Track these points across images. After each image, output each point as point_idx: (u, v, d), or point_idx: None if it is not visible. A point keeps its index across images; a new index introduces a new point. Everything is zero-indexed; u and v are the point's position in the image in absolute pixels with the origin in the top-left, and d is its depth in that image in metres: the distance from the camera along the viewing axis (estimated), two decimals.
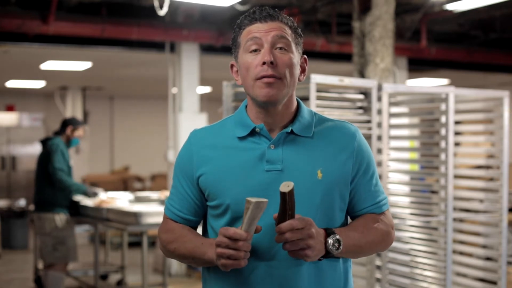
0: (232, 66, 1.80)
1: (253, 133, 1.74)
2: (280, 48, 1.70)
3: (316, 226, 1.62)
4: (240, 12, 7.27)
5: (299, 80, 1.76)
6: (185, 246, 1.75)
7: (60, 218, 5.70)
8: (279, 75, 1.68)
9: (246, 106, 1.80)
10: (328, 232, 1.65)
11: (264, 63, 1.67)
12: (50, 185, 5.68)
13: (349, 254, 1.72)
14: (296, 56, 1.73)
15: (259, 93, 1.69)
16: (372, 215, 1.80)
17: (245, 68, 1.71)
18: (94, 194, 6.05)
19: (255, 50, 1.70)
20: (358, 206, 1.79)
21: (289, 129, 1.72)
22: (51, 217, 5.67)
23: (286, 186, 1.56)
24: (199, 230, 1.86)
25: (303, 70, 1.78)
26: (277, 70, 1.68)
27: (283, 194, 1.56)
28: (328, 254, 1.65)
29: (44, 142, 5.91)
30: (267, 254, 1.68)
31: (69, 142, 5.89)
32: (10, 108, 12.22)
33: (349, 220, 1.84)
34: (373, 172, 1.81)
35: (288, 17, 1.76)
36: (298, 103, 1.80)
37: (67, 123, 5.91)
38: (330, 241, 1.64)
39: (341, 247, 1.65)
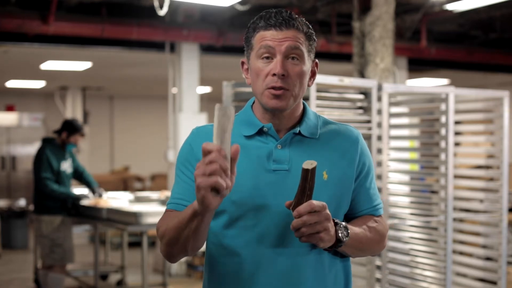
0: (242, 63, 1.80)
1: (260, 132, 1.74)
2: (293, 58, 1.69)
3: (328, 210, 1.60)
4: (240, 12, 7.28)
5: (308, 85, 1.75)
6: (176, 218, 1.62)
7: (57, 220, 5.69)
8: (288, 87, 1.68)
9: (251, 105, 1.80)
10: (335, 222, 1.66)
11: (274, 74, 1.67)
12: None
13: (351, 249, 1.72)
14: (307, 65, 1.73)
15: (267, 102, 1.69)
16: (371, 216, 1.82)
17: (255, 74, 1.71)
18: (94, 195, 6.09)
19: (267, 58, 1.69)
20: (357, 208, 1.81)
21: (297, 130, 1.73)
22: (48, 219, 5.66)
23: (309, 164, 1.54)
24: None
25: (313, 75, 1.78)
26: (287, 82, 1.67)
27: (305, 172, 1.54)
28: (337, 243, 1.65)
29: (41, 143, 5.90)
30: (275, 249, 1.68)
31: (64, 146, 5.81)
32: (10, 108, 12.21)
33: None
34: (372, 176, 1.83)
35: (303, 21, 1.73)
36: (304, 105, 1.80)
37: (64, 128, 5.80)
38: (340, 228, 1.65)
39: (349, 235, 1.66)
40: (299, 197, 1.56)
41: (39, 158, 5.66)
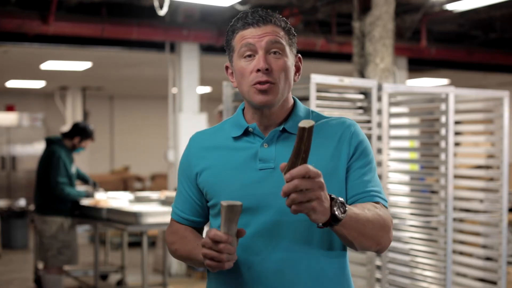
0: (227, 68, 1.82)
1: (247, 132, 1.76)
2: (275, 53, 1.69)
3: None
4: (240, 12, 7.27)
5: (294, 80, 1.76)
6: (184, 248, 1.79)
7: (66, 221, 5.70)
8: (274, 80, 1.68)
9: (243, 109, 1.82)
10: (332, 197, 1.53)
11: (258, 70, 1.68)
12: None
13: (351, 232, 1.58)
14: (290, 59, 1.73)
15: (254, 99, 1.70)
16: (369, 202, 1.70)
17: (240, 74, 1.72)
18: (94, 190, 6.17)
19: (249, 56, 1.70)
20: (349, 193, 1.71)
21: (281, 127, 1.73)
22: (58, 221, 5.66)
23: (306, 123, 1.44)
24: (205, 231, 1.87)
25: (297, 70, 1.78)
26: (272, 75, 1.68)
27: (301, 130, 1.43)
28: (332, 219, 1.51)
29: (48, 143, 5.88)
30: (265, 247, 1.68)
31: (73, 148, 5.88)
32: (10, 108, 12.22)
33: None
34: (368, 161, 1.73)
35: (281, 17, 1.75)
36: (295, 102, 1.80)
37: (77, 133, 5.85)
38: (336, 204, 1.51)
39: (345, 212, 1.52)
40: (293, 160, 1.45)
41: (55, 163, 5.65)
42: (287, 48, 1.72)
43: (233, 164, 1.73)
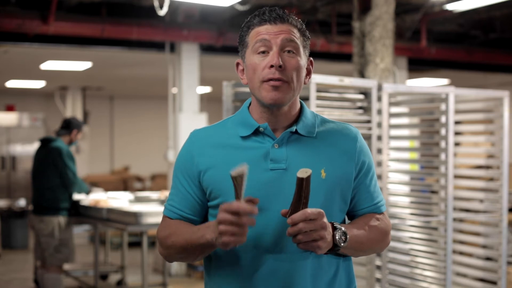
0: (237, 64, 1.80)
1: (256, 132, 1.74)
2: (289, 51, 1.69)
3: (326, 218, 1.61)
4: (240, 12, 7.27)
5: (304, 83, 1.76)
6: (182, 237, 1.71)
7: (64, 220, 5.71)
8: (286, 78, 1.68)
9: (248, 106, 1.80)
10: (334, 226, 1.66)
11: (272, 66, 1.67)
12: (52, 187, 5.67)
13: (351, 251, 1.72)
14: (303, 59, 1.73)
15: (265, 96, 1.69)
16: (372, 214, 1.81)
17: (252, 69, 1.71)
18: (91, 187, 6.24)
19: (263, 52, 1.70)
20: (358, 206, 1.81)
21: (293, 129, 1.73)
22: (55, 220, 5.67)
23: (304, 172, 1.55)
24: None
25: (308, 73, 1.78)
26: (284, 73, 1.68)
27: (300, 180, 1.54)
28: (335, 248, 1.65)
29: (45, 143, 5.88)
30: (273, 248, 1.68)
31: (70, 143, 5.92)
32: (10, 108, 12.21)
33: (347, 220, 1.84)
34: (372, 174, 1.82)
35: (297, 19, 1.75)
36: (301, 105, 1.80)
37: (73, 127, 5.90)
38: (338, 234, 1.65)
39: (347, 240, 1.66)
40: (295, 205, 1.57)
41: (65, 161, 5.68)
42: (301, 49, 1.72)
43: (242, 163, 1.69)
